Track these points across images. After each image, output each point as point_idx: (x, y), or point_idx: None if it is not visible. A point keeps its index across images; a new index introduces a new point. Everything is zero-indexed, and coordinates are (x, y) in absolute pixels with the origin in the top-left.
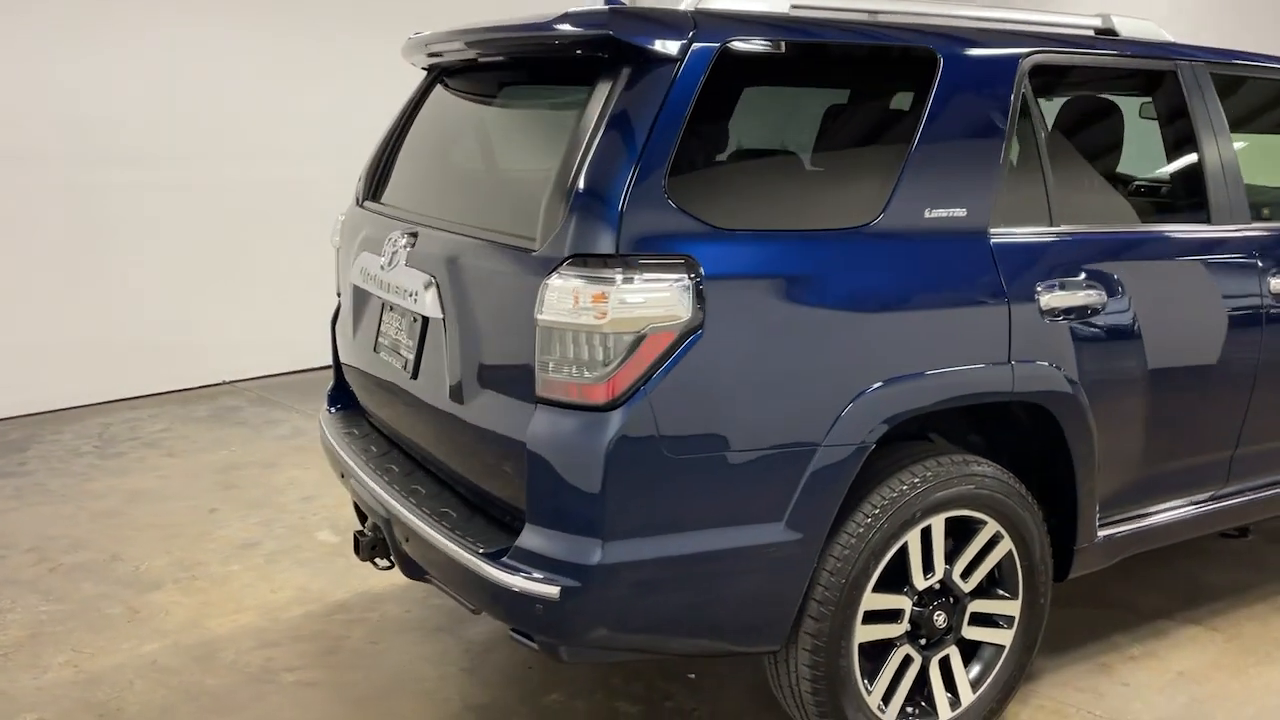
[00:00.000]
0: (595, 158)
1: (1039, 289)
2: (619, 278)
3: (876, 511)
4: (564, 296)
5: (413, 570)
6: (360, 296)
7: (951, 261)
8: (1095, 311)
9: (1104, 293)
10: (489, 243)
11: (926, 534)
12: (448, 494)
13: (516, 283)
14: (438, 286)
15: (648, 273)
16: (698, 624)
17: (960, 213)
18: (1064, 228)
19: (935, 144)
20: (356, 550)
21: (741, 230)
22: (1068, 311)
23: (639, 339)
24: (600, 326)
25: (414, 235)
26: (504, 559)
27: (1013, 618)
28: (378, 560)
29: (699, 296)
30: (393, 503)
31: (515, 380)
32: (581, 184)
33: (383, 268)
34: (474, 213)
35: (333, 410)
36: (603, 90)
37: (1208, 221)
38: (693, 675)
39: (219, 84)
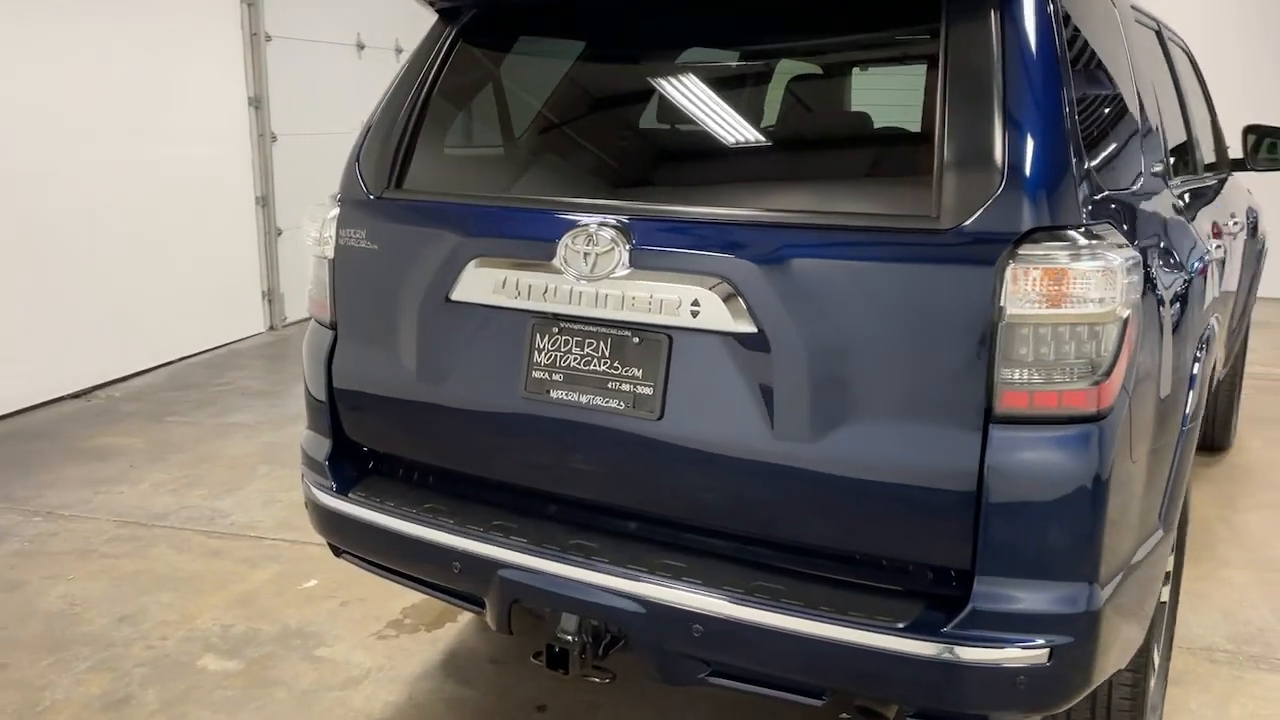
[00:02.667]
0: (1024, 106)
1: None
2: (1111, 254)
3: None
4: (1041, 281)
5: (678, 674)
6: (471, 320)
7: None
8: None
9: None
10: (825, 227)
11: None
12: (732, 565)
13: (915, 273)
14: (738, 292)
15: (1119, 248)
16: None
17: None
18: None
19: None
20: (557, 664)
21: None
22: None
23: (1124, 327)
24: (1091, 317)
25: (620, 229)
26: (952, 630)
27: None
28: (596, 672)
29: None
30: (653, 589)
31: (934, 399)
32: (1020, 139)
33: (579, 275)
34: (750, 191)
35: (343, 488)
36: (985, 24)
37: None
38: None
39: None
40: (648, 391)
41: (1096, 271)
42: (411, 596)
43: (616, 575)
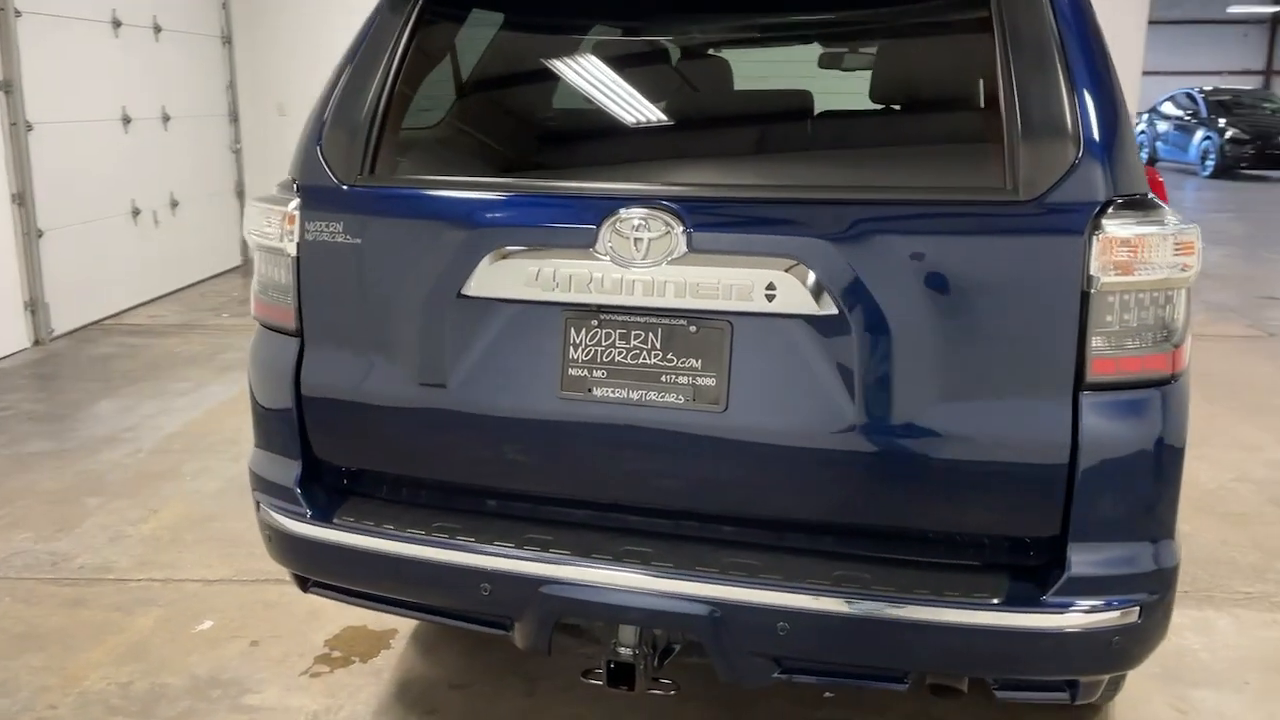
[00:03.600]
0: (1086, 75)
1: None
2: (1185, 223)
3: None
4: (1127, 249)
5: (752, 675)
6: (489, 316)
7: None
8: None
9: None
10: (901, 202)
11: None
12: (804, 557)
13: (998, 246)
14: (816, 273)
15: (1170, 215)
16: None
17: None
18: None
19: None
20: (619, 681)
21: None
22: None
23: (1188, 293)
24: (1170, 283)
25: (673, 211)
26: (1051, 599)
27: None
28: (658, 685)
29: None
30: (731, 590)
31: (1022, 372)
32: (1087, 109)
33: (628, 263)
34: (805, 166)
35: (322, 514)
36: None
37: None
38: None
39: None
40: (710, 383)
41: (1177, 238)
42: (331, 626)
43: (686, 579)
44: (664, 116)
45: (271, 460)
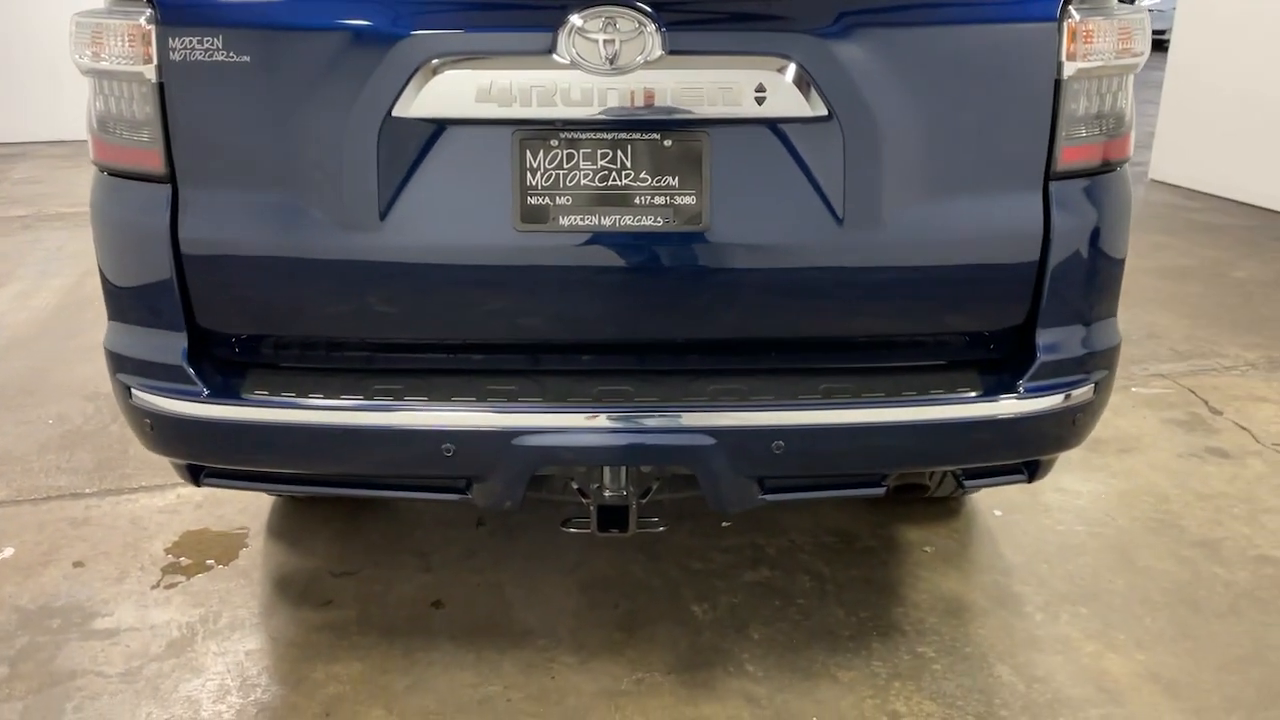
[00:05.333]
0: None
1: None
2: (1123, 7)
3: None
4: (1094, 35)
5: (741, 500)
6: (426, 141)
7: None
8: None
9: None
10: None
11: None
12: (789, 376)
13: (977, 35)
14: (806, 71)
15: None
16: None
17: None
18: None
19: None
20: (611, 524)
21: None
22: None
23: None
24: (1127, 67)
25: (643, 9)
26: (1025, 385)
27: None
28: (647, 524)
29: None
30: (724, 417)
31: (999, 165)
32: None
33: (596, 69)
34: None
35: (224, 391)
36: None
37: None
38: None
39: None
40: (689, 201)
41: (1138, 22)
42: (165, 533)
43: (675, 412)
44: None
45: (141, 335)
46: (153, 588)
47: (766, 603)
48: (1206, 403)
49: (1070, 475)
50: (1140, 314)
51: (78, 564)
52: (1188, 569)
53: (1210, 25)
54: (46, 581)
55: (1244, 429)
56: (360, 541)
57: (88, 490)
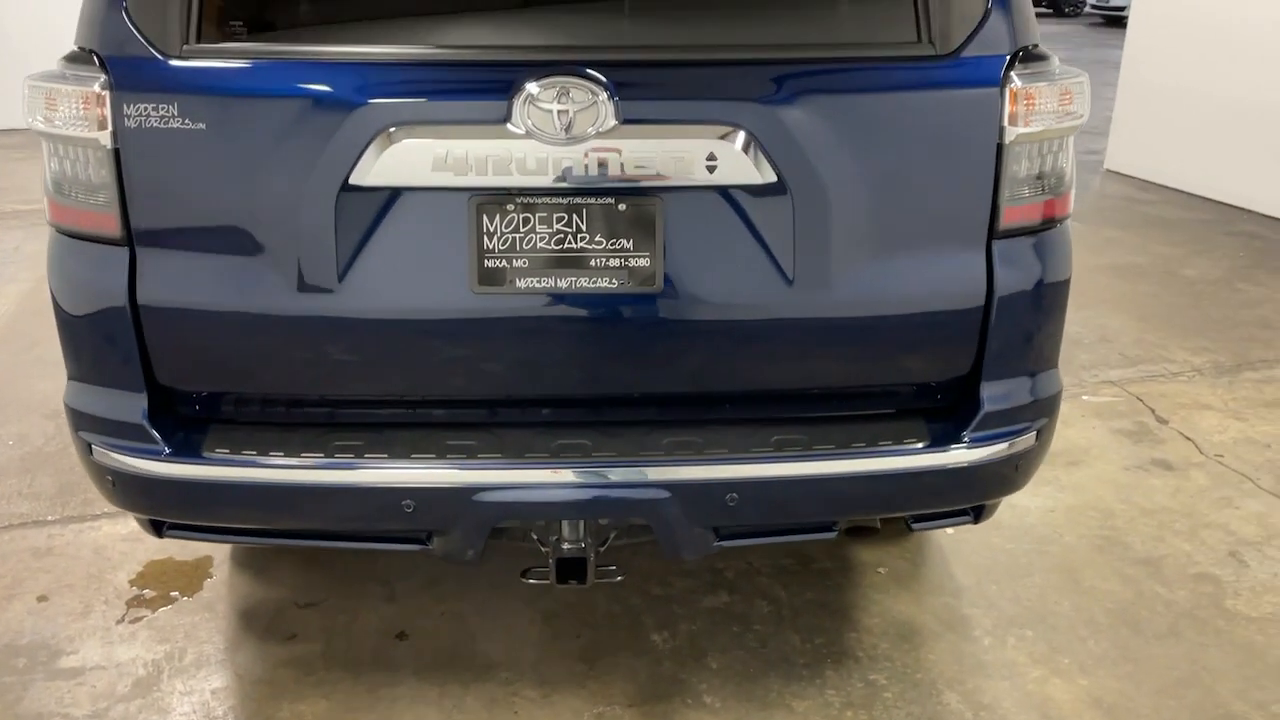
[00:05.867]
0: None
1: None
2: (1063, 69)
3: None
4: (1037, 99)
5: (696, 548)
6: (382, 207)
7: None
8: None
9: None
10: (831, 60)
11: None
12: (742, 427)
13: (923, 100)
14: (755, 138)
15: (1059, 63)
16: None
17: None
18: None
19: None
20: (569, 576)
21: None
22: None
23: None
24: (1069, 129)
25: (596, 78)
26: (970, 435)
27: None
28: (604, 573)
29: None
30: (680, 470)
31: (944, 225)
32: None
33: (551, 139)
34: (720, 23)
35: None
36: None
37: None
38: None
39: None
40: (643, 263)
41: (1078, 86)
42: (129, 564)
43: (633, 466)
44: None
45: (101, 394)
46: (118, 622)
47: (725, 629)
48: (1153, 411)
49: (1021, 491)
50: (1093, 315)
51: (41, 598)
52: (1131, 588)
53: (1165, 17)
54: (11, 618)
55: (1188, 439)
56: (325, 571)
57: (50, 518)
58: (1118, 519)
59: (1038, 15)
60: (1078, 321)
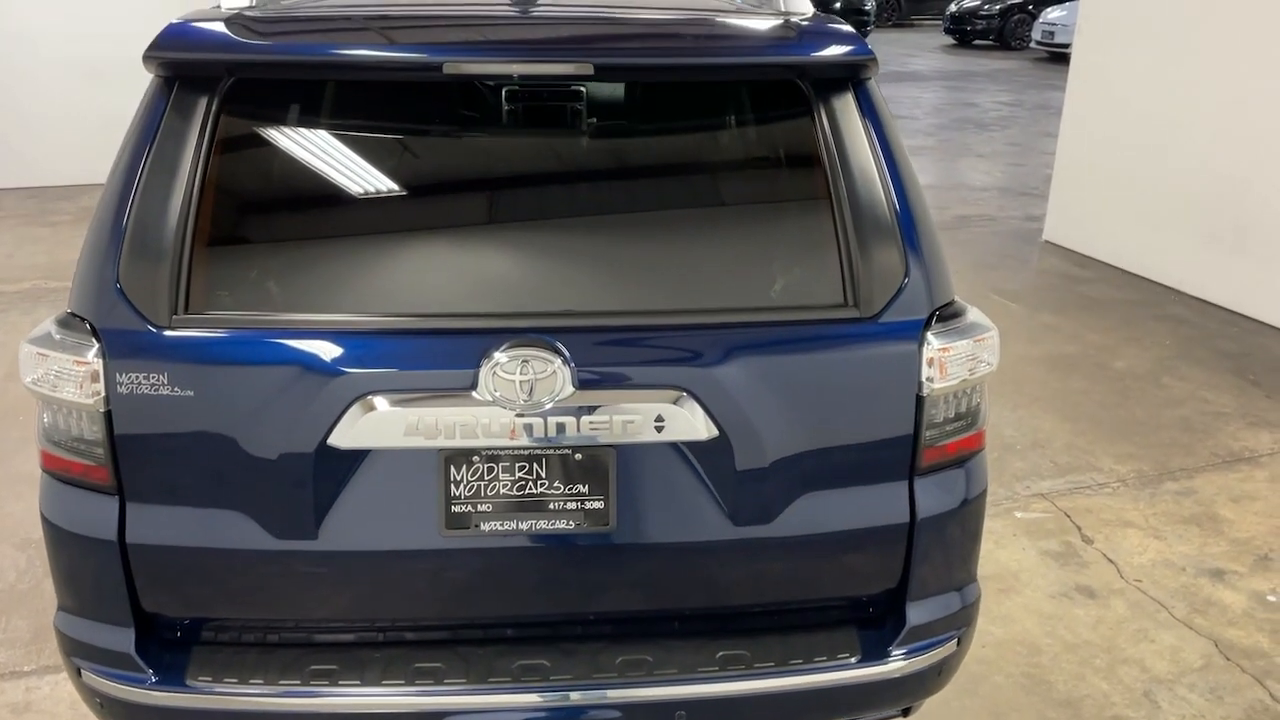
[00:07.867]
0: (901, 198)
1: None
2: (976, 323)
3: None
4: (952, 353)
5: None
6: (357, 464)
7: None
8: None
9: None
10: (767, 324)
11: None
12: (689, 641)
13: (849, 359)
14: (699, 400)
15: (973, 317)
16: None
17: None
18: None
19: None
20: None
21: None
22: None
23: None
24: (981, 378)
25: (555, 347)
26: (897, 648)
27: None
28: None
29: None
30: (632, 691)
31: (870, 465)
32: (908, 229)
33: (514, 407)
34: (666, 290)
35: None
36: (852, 118)
37: None
38: None
39: None
40: (598, 506)
41: (991, 339)
42: None
43: (587, 689)
44: (529, 232)
45: (92, 628)
46: None
47: None
48: (1080, 529)
49: None
50: (1027, 416)
51: None
52: None
53: (1102, 96)
54: None
55: (1111, 561)
56: None
57: (26, 668)
58: (1043, 655)
59: (983, 49)
60: (1013, 423)
